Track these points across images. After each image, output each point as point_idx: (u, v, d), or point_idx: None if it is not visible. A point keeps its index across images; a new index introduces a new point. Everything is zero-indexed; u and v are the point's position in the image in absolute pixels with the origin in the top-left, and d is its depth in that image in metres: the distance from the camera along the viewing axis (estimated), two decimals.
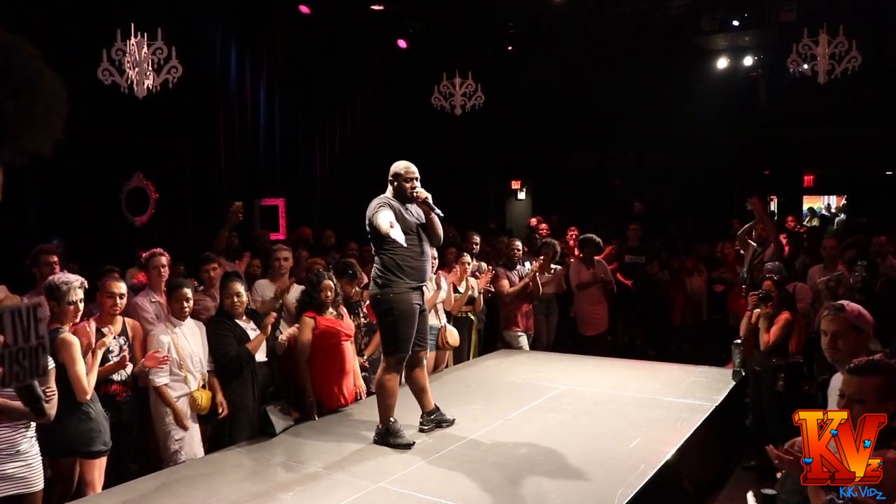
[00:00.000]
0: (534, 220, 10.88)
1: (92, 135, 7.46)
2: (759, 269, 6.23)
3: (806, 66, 8.10)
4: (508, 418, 4.93)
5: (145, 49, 6.53)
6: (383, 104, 11.62)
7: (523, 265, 7.37)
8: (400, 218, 4.37)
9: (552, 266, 7.59)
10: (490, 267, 7.16)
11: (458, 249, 7.21)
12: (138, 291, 5.18)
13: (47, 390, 3.62)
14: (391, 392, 4.50)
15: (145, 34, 6.55)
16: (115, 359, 4.28)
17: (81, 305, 4.09)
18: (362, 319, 5.61)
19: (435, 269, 5.91)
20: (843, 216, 16.05)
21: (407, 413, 4.71)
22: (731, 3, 11.02)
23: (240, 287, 4.83)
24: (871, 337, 3.33)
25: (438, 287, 6.31)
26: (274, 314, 4.93)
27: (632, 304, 8.93)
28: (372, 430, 4.55)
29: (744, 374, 5.64)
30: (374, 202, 4.48)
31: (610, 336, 8.63)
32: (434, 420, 4.71)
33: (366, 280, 5.62)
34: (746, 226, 7.30)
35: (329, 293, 5.06)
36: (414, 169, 4.54)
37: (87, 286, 4.19)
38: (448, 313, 6.58)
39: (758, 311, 5.32)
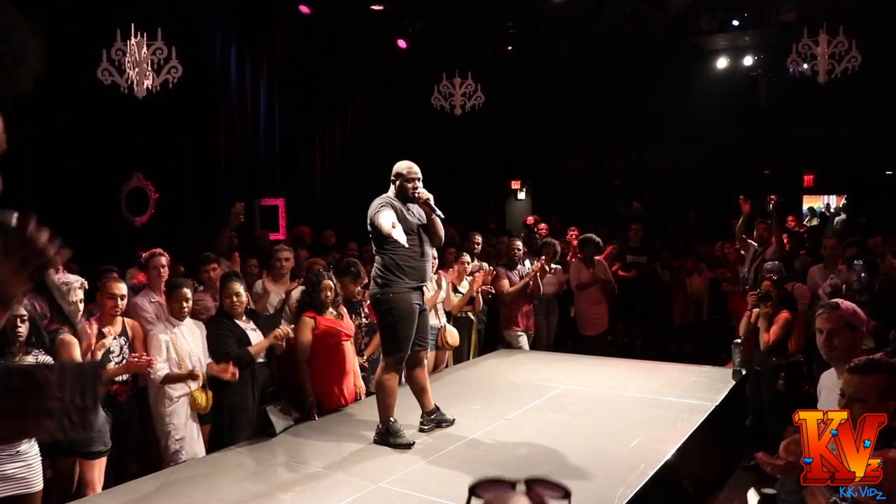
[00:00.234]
0: (530, 219, 10.87)
1: (92, 135, 7.47)
2: (761, 269, 6.23)
3: (806, 66, 8.10)
4: (508, 418, 4.93)
5: (145, 49, 6.53)
6: (383, 104, 11.62)
7: (523, 265, 7.37)
8: (401, 218, 4.37)
9: (552, 266, 7.59)
10: (491, 268, 7.16)
11: (458, 249, 7.21)
12: (138, 291, 5.18)
13: None
14: (391, 392, 4.50)
15: (145, 34, 6.55)
16: (116, 359, 4.28)
17: (81, 306, 4.09)
18: (363, 319, 5.61)
19: (435, 269, 5.92)
20: (843, 216, 16.05)
21: (407, 413, 4.71)
22: (731, 3, 11.02)
23: (239, 287, 4.83)
24: (866, 334, 3.34)
25: (439, 287, 6.31)
26: (289, 330, 4.88)
27: (632, 304, 8.93)
28: (372, 430, 4.55)
29: (744, 373, 5.64)
30: (376, 202, 4.48)
31: (610, 336, 8.64)
32: (434, 420, 4.71)
33: (367, 279, 5.62)
34: (740, 224, 7.27)
35: (329, 293, 5.06)
36: (416, 169, 4.54)
37: (87, 287, 4.20)
38: (448, 313, 6.59)
39: (757, 310, 5.33)
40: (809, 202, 17.51)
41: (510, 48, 12.36)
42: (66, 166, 7.22)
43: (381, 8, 9.97)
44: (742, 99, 14.28)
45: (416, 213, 4.58)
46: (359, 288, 5.64)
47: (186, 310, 4.68)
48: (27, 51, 1.22)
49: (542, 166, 15.22)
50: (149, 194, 8.27)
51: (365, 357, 5.54)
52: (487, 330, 7.51)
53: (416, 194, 4.47)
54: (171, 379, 4.47)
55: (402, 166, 4.56)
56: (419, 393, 4.75)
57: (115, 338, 4.35)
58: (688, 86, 13.54)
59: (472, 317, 6.94)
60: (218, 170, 9.18)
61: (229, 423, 4.70)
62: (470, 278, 6.78)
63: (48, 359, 3.73)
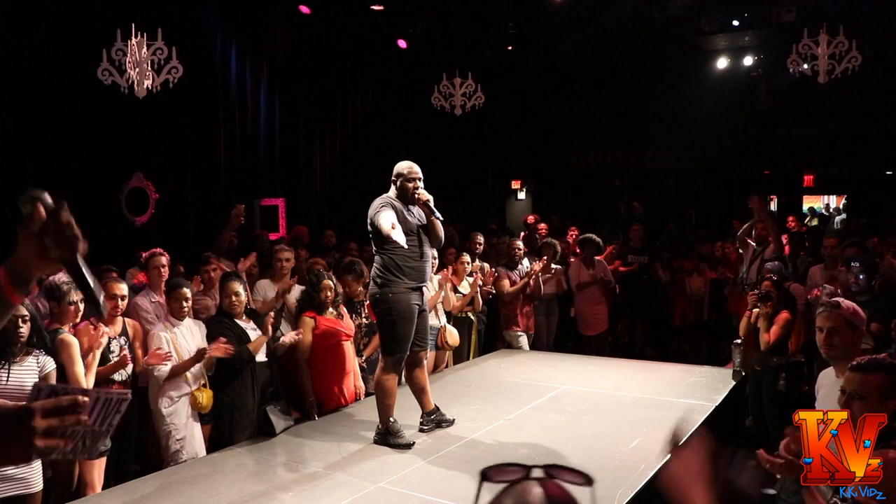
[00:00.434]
0: (531, 218, 10.88)
1: (92, 135, 7.47)
2: (760, 269, 6.23)
3: (806, 66, 8.10)
4: (508, 418, 4.93)
5: (145, 49, 6.53)
6: (383, 104, 11.62)
7: (523, 264, 7.38)
8: (401, 219, 4.37)
9: (552, 266, 7.59)
10: (492, 269, 7.15)
11: (458, 250, 7.22)
12: (138, 291, 5.18)
13: None
14: (390, 392, 4.51)
15: (145, 34, 6.55)
16: (116, 359, 4.29)
17: (82, 306, 4.09)
18: (363, 319, 5.61)
19: (435, 269, 5.92)
20: (843, 215, 16.05)
21: (407, 413, 4.71)
22: (731, 3, 11.02)
23: (238, 287, 4.83)
24: (866, 334, 3.34)
25: (440, 287, 6.31)
26: (272, 315, 4.93)
27: (632, 304, 8.94)
28: (372, 430, 4.55)
29: (744, 374, 5.64)
30: (377, 202, 4.49)
31: (610, 336, 8.64)
32: (434, 420, 4.71)
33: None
34: (745, 226, 7.30)
35: (329, 293, 5.06)
36: (417, 169, 4.55)
37: None
38: (448, 313, 6.59)
39: (757, 310, 5.32)
40: (809, 202, 17.52)
41: (510, 48, 12.36)
42: (66, 166, 7.21)
43: (381, 8, 9.97)
44: (742, 99, 14.28)
45: (417, 214, 4.59)
46: (361, 287, 5.65)
47: (186, 309, 4.69)
48: None
49: (543, 166, 15.22)
50: (149, 194, 8.27)
51: (364, 357, 5.54)
52: (487, 330, 7.51)
53: (416, 195, 4.47)
54: (177, 370, 4.46)
55: (403, 166, 4.57)
56: (419, 393, 4.75)
57: (115, 337, 4.35)
58: (688, 86, 13.54)
59: (472, 317, 6.94)
60: (218, 170, 9.19)
61: (229, 423, 4.70)
62: (471, 279, 6.78)
63: (49, 359, 3.73)
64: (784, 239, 7.82)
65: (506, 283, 7.16)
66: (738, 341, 5.68)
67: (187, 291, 4.71)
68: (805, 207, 17.00)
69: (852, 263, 5.46)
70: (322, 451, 4.35)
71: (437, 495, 3.69)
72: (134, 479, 4.11)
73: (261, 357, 4.84)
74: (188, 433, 4.52)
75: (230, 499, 3.71)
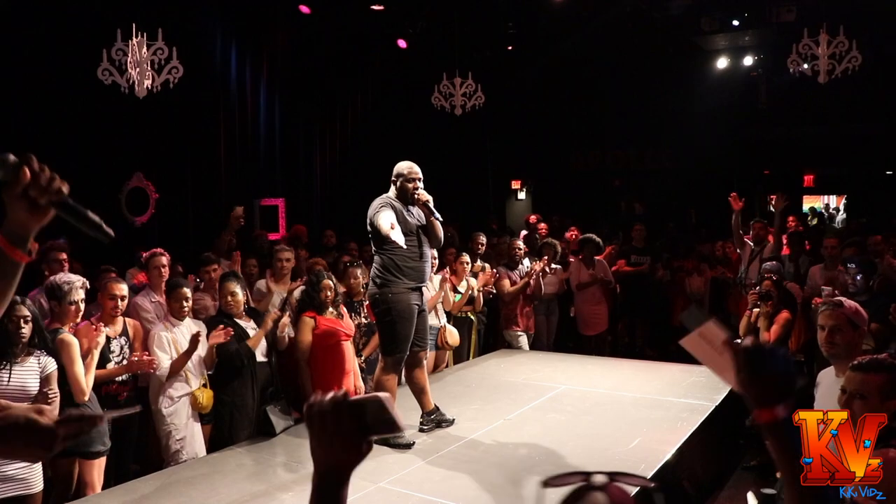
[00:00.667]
0: (533, 218, 10.88)
1: (92, 135, 7.47)
2: (759, 268, 6.22)
3: (806, 66, 8.10)
4: (508, 418, 4.94)
5: (145, 49, 6.53)
6: (383, 104, 11.62)
7: (523, 264, 7.38)
8: (401, 219, 4.38)
9: (552, 266, 7.59)
10: (494, 270, 7.15)
11: (458, 250, 7.21)
12: (138, 291, 5.18)
13: (50, 392, 3.62)
14: (390, 392, 4.50)
15: (145, 34, 6.55)
16: (116, 358, 4.28)
17: (83, 305, 4.09)
18: (362, 319, 5.61)
19: (435, 269, 5.92)
20: (843, 215, 16.05)
21: (407, 413, 4.71)
22: (731, 3, 11.01)
23: (234, 287, 4.84)
24: (867, 334, 3.34)
25: (441, 288, 6.31)
26: (277, 312, 4.94)
27: (632, 304, 8.93)
28: None
29: None
30: (376, 202, 4.49)
31: (610, 336, 8.64)
32: (434, 420, 4.71)
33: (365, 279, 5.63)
34: (734, 222, 7.18)
35: (329, 293, 5.06)
36: (417, 170, 4.55)
37: (88, 286, 4.20)
38: (448, 313, 6.59)
39: (758, 310, 5.32)
40: (809, 202, 17.51)
41: (510, 48, 12.36)
42: (66, 166, 7.17)
43: (381, 8, 9.96)
44: (742, 99, 14.28)
45: (416, 215, 4.59)
46: (359, 279, 5.66)
47: (186, 309, 4.69)
48: None
49: (543, 166, 15.22)
50: (149, 194, 8.27)
51: (363, 358, 5.54)
52: (487, 330, 7.51)
53: (416, 196, 4.48)
54: (176, 365, 4.46)
55: (403, 167, 4.57)
56: (419, 393, 4.75)
57: (115, 337, 4.35)
58: (688, 86, 13.54)
59: (472, 317, 6.94)
60: (218, 170, 9.18)
61: (229, 422, 4.70)
62: (472, 279, 6.78)
63: (50, 360, 3.73)
64: (784, 239, 7.82)
65: (506, 282, 7.16)
66: (738, 341, 5.67)
67: (187, 291, 4.71)
68: (806, 207, 17.00)
69: (849, 265, 5.45)
70: None
71: (437, 495, 3.69)
72: (134, 479, 4.11)
73: (260, 356, 4.85)
74: (188, 433, 4.52)
75: (230, 499, 3.71)
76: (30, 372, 3.62)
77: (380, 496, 3.72)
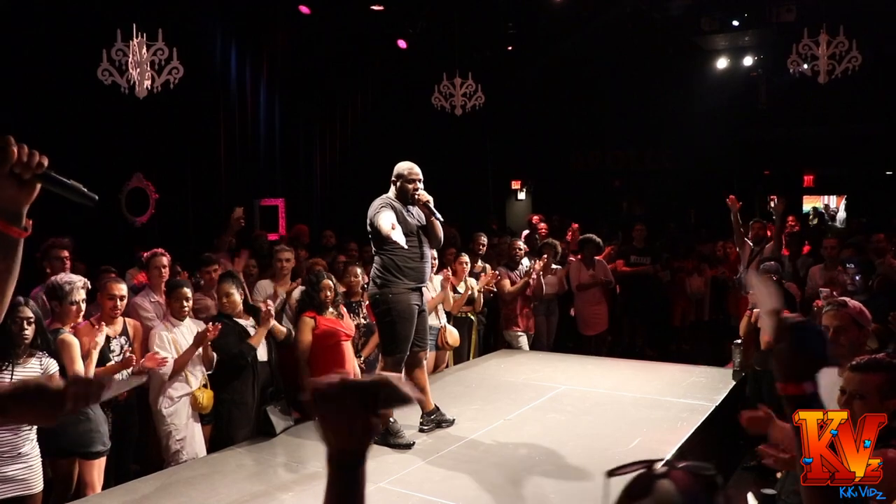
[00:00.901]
0: (536, 218, 10.88)
1: (92, 135, 7.46)
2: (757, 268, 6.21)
3: (806, 66, 8.09)
4: (508, 418, 4.94)
5: (145, 50, 6.53)
6: (383, 104, 11.62)
7: (523, 264, 7.38)
8: (401, 220, 4.38)
9: (553, 266, 7.59)
10: (494, 272, 7.15)
11: (458, 250, 7.21)
12: (138, 292, 5.19)
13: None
14: None
15: (145, 35, 6.55)
16: (117, 358, 4.28)
17: (84, 305, 4.10)
18: (361, 319, 5.62)
19: (435, 269, 5.92)
20: (843, 214, 16.04)
21: (407, 413, 4.70)
22: (731, 3, 11.01)
23: (229, 288, 4.83)
24: (871, 334, 3.34)
25: (442, 288, 6.31)
26: (270, 303, 4.92)
27: (632, 304, 8.93)
28: None
29: (744, 374, 5.64)
30: (377, 202, 4.49)
31: (610, 336, 8.64)
32: (434, 420, 4.71)
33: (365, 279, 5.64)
34: (734, 222, 7.16)
35: (329, 293, 5.06)
36: (417, 170, 4.55)
37: (89, 286, 4.20)
38: (448, 313, 6.59)
39: (758, 310, 5.32)
40: (809, 202, 17.50)
41: (510, 48, 12.36)
42: (66, 166, 7.16)
43: (381, 8, 9.96)
44: (742, 99, 14.27)
45: (416, 215, 4.59)
46: (357, 278, 5.67)
47: (187, 309, 4.69)
48: None
49: (543, 166, 15.22)
50: (149, 194, 8.27)
51: (362, 358, 5.54)
52: (487, 330, 7.51)
53: (417, 196, 4.48)
54: (179, 364, 4.46)
55: (404, 167, 4.57)
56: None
57: (115, 337, 4.35)
58: (688, 86, 13.54)
59: (472, 317, 6.94)
60: (218, 170, 9.18)
61: (228, 421, 4.70)
62: (472, 280, 6.78)
63: (52, 361, 3.73)
64: (783, 239, 7.82)
65: (506, 282, 7.16)
66: (738, 341, 5.68)
67: (188, 291, 4.72)
68: (809, 207, 16.99)
69: (848, 265, 5.45)
70: (322, 451, 4.20)
71: (437, 495, 3.69)
72: (134, 479, 4.11)
73: (261, 356, 4.85)
74: (188, 433, 4.52)
75: (230, 499, 3.71)
76: (31, 373, 3.62)
77: (380, 496, 3.72)
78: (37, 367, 3.65)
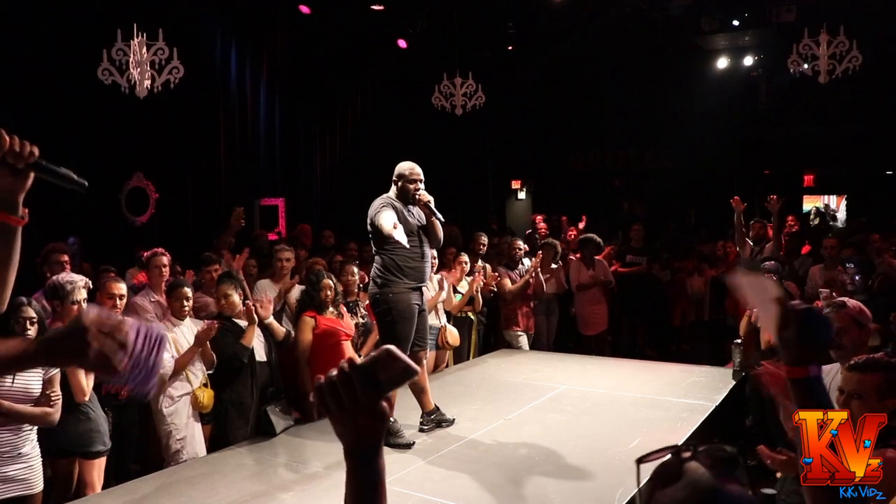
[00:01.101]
0: (538, 217, 10.88)
1: (92, 135, 7.47)
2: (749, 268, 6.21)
3: (806, 66, 8.09)
4: (508, 418, 4.94)
5: (146, 50, 6.53)
6: (383, 104, 11.62)
7: (523, 264, 7.39)
8: (402, 219, 4.39)
9: (554, 265, 7.59)
10: (494, 272, 7.15)
11: (459, 249, 7.21)
12: (138, 291, 5.19)
13: (52, 394, 3.61)
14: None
15: (145, 35, 6.55)
16: None
17: (85, 305, 4.09)
18: (360, 319, 5.62)
19: (435, 269, 5.92)
20: (843, 214, 16.03)
21: (407, 413, 4.71)
22: (731, 3, 11.01)
23: (227, 289, 4.83)
24: (872, 332, 3.33)
25: (441, 288, 6.31)
26: (250, 302, 4.90)
27: (632, 304, 8.93)
28: None
29: (744, 374, 5.64)
30: (377, 202, 4.49)
31: (610, 336, 8.64)
32: (434, 420, 4.71)
33: (366, 279, 5.64)
34: (737, 223, 7.18)
35: (329, 292, 5.07)
36: (419, 171, 4.56)
37: (91, 286, 4.20)
38: (448, 313, 6.59)
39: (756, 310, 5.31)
40: (810, 202, 17.49)
41: (510, 48, 12.36)
42: (66, 166, 7.21)
43: (381, 8, 9.96)
44: (742, 99, 14.27)
45: (417, 215, 4.59)
46: (354, 278, 5.66)
47: (187, 309, 4.70)
48: None
49: (543, 166, 15.21)
50: (149, 194, 8.27)
51: (361, 358, 5.53)
52: (487, 330, 7.51)
53: (417, 196, 4.48)
54: (180, 364, 4.46)
55: (405, 167, 4.57)
56: (419, 393, 4.75)
57: None
58: (688, 86, 13.54)
59: (472, 317, 6.94)
60: (218, 170, 9.19)
61: (226, 420, 4.70)
62: (470, 278, 6.78)
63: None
64: (783, 239, 7.82)
65: (506, 282, 7.16)
66: (738, 341, 5.68)
67: (188, 291, 4.72)
68: (810, 207, 16.97)
69: (847, 265, 5.45)
70: (322, 451, 4.35)
71: (437, 495, 3.69)
72: (134, 479, 4.11)
73: (261, 356, 4.85)
74: (189, 433, 4.52)
75: (230, 499, 3.71)
76: (33, 374, 3.61)
77: None
78: (38, 368, 3.65)
